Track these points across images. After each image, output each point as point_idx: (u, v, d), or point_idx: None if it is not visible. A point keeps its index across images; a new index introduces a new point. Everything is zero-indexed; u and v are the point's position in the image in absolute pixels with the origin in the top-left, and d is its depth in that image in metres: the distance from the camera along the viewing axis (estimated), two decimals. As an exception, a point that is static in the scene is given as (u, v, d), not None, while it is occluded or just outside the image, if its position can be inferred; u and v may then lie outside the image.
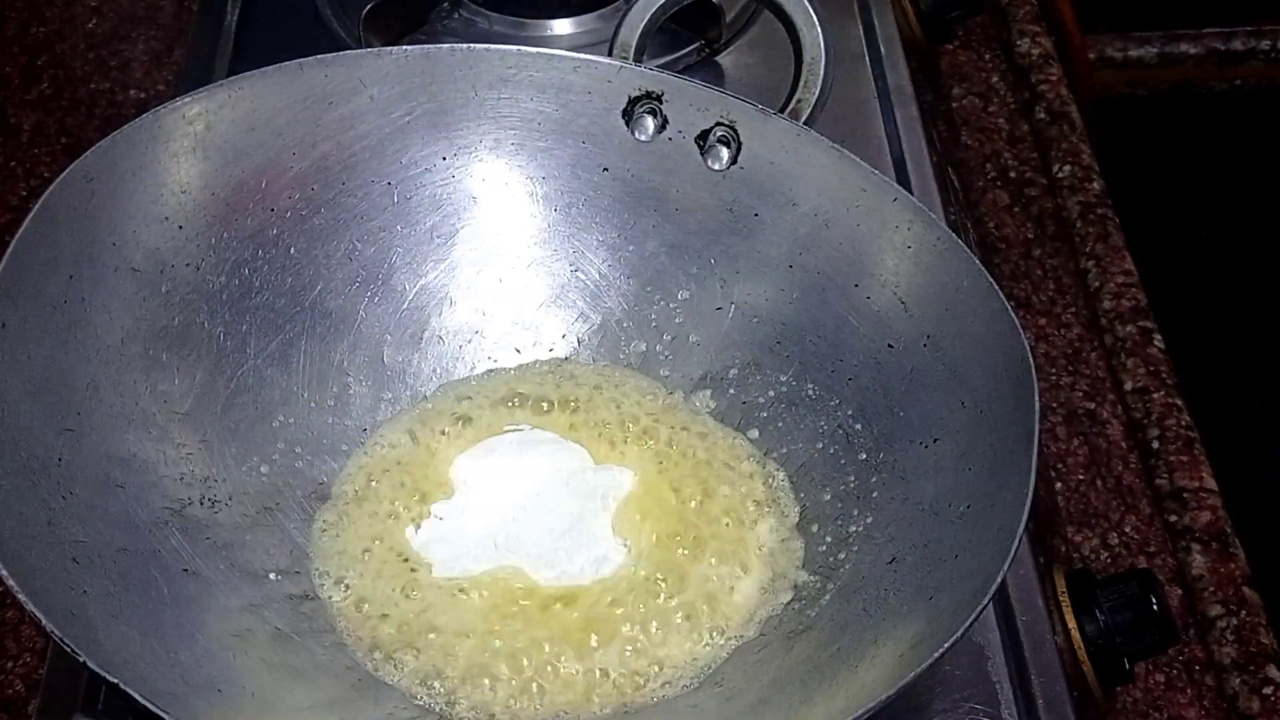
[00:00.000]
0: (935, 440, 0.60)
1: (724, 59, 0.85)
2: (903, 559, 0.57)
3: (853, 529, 0.61)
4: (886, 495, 0.61)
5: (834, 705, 0.52)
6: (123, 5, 0.98)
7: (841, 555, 0.60)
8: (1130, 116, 1.14)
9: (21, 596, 0.47)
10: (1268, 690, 0.69)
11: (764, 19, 0.85)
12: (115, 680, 0.46)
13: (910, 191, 0.69)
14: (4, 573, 0.47)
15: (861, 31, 0.88)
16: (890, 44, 0.88)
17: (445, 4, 0.86)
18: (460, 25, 0.85)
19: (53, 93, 0.93)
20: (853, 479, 0.62)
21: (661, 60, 0.82)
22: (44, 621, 0.47)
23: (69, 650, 0.46)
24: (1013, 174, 0.95)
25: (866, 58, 0.87)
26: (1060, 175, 0.94)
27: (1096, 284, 0.87)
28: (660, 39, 0.79)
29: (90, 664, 0.46)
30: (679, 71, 0.73)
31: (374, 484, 0.64)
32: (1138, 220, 0.94)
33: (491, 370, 0.69)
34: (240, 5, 0.89)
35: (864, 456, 0.62)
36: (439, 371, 0.68)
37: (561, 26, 0.86)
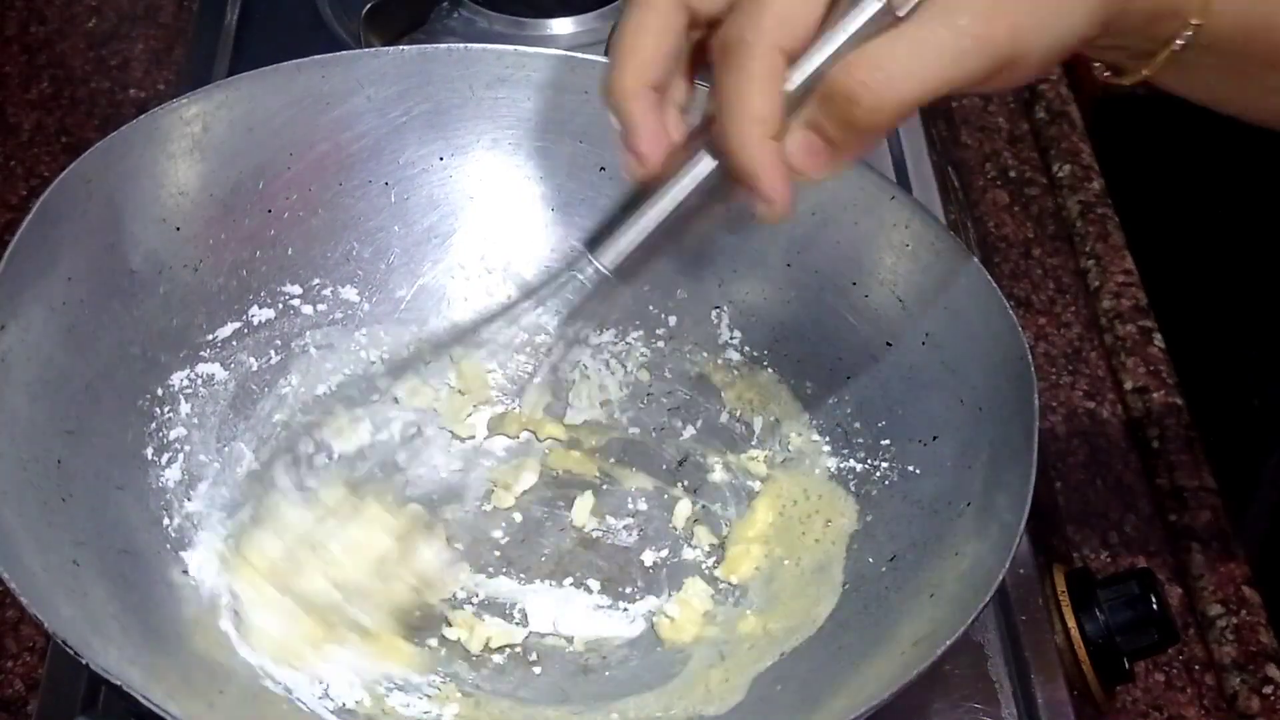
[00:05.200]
0: (934, 438, 0.59)
1: (723, 59, 0.85)
2: (902, 557, 0.57)
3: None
4: (886, 494, 0.61)
5: (834, 705, 0.52)
6: (123, 5, 0.98)
7: (841, 554, 0.60)
8: (1130, 116, 1.13)
9: (22, 597, 0.47)
10: (1268, 690, 0.68)
11: (763, 19, 0.85)
12: (115, 680, 0.46)
13: (910, 191, 0.69)
14: (4, 573, 0.47)
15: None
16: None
17: (445, 3, 0.86)
18: (460, 25, 0.85)
19: (53, 92, 0.93)
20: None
21: (661, 60, 0.81)
22: (44, 622, 0.47)
23: (69, 650, 0.46)
24: (1012, 173, 0.95)
25: (866, 57, 0.86)
26: (1060, 175, 0.94)
27: (1096, 283, 0.87)
28: (659, 39, 0.79)
29: (90, 664, 0.46)
30: (678, 71, 0.73)
31: (373, 483, 0.64)
32: (1138, 220, 0.94)
33: (490, 370, 0.69)
34: (240, 5, 0.89)
35: (863, 455, 0.62)
36: (437, 372, 0.68)
37: (560, 26, 0.86)
